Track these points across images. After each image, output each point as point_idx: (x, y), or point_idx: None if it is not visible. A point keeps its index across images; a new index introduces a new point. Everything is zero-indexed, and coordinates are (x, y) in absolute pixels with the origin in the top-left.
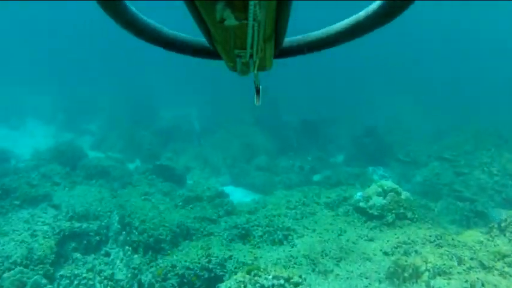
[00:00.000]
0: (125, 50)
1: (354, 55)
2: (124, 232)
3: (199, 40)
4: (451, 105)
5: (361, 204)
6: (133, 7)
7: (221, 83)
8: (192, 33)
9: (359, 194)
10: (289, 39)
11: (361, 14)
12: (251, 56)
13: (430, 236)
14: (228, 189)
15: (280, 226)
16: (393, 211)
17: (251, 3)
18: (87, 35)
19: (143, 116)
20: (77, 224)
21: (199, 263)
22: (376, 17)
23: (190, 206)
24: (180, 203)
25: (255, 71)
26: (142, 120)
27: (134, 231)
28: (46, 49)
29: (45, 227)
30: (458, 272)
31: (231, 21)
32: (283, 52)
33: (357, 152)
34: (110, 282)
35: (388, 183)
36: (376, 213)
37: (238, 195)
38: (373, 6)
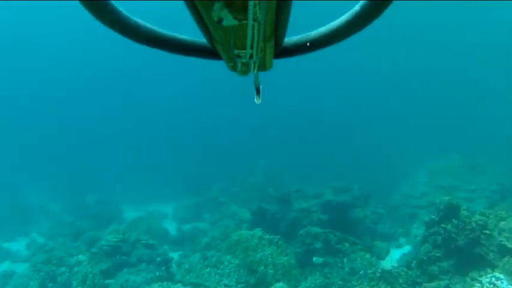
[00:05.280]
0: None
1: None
2: None
3: (199, 40)
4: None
5: None
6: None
7: (202, 167)
8: (192, 32)
9: None
10: (288, 39)
11: (356, 7)
12: (251, 56)
13: None
14: None
15: None
16: None
17: (250, 3)
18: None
19: (96, 222)
20: None
21: None
22: (371, 8)
23: None
24: None
25: (255, 71)
26: (92, 230)
27: None
28: None
29: None
30: None
31: (228, 21)
32: (283, 52)
33: (433, 250)
34: None
35: None
36: None
37: None
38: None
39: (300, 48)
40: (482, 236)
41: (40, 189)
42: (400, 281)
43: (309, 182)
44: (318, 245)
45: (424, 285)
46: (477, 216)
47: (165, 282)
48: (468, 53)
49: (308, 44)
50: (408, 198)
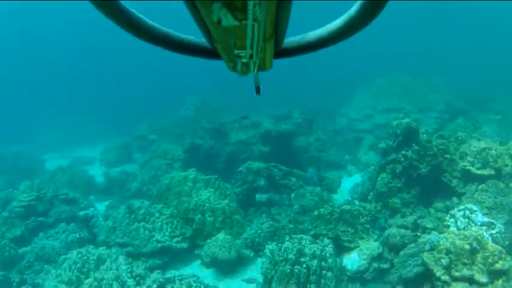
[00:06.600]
0: None
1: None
2: None
3: (199, 40)
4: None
5: None
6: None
7: (129, 106)
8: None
9: None
10: (288, 39)
11: (353, 8)
12: (251, 56)
13: None
14: None
15: None
16: None
17: (250, 3)
18: None
19: (14, 178)
20: None
21: None
22: (367, 9)
23: None
24: None
25: (255, 72)
26: (8, 188)
27: None
28: None
29: None
30: None
31: (228, 21)
32: (284, 52)
33: (393, 180)
34: None
35: None
36: None
37: None
38: None
39: (300, 48)
40: (444, 161)
41: None
42: (362, 220)
43: (246, 112)
44: (261, 181)
45: (389, 222)
46: (437, 140)
47: (85, 248)
48: None
49: (308, 44)
50: (352, 122)
